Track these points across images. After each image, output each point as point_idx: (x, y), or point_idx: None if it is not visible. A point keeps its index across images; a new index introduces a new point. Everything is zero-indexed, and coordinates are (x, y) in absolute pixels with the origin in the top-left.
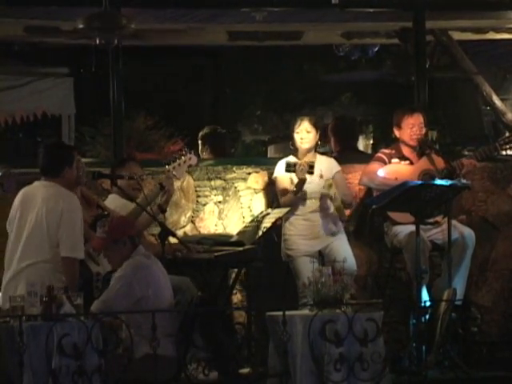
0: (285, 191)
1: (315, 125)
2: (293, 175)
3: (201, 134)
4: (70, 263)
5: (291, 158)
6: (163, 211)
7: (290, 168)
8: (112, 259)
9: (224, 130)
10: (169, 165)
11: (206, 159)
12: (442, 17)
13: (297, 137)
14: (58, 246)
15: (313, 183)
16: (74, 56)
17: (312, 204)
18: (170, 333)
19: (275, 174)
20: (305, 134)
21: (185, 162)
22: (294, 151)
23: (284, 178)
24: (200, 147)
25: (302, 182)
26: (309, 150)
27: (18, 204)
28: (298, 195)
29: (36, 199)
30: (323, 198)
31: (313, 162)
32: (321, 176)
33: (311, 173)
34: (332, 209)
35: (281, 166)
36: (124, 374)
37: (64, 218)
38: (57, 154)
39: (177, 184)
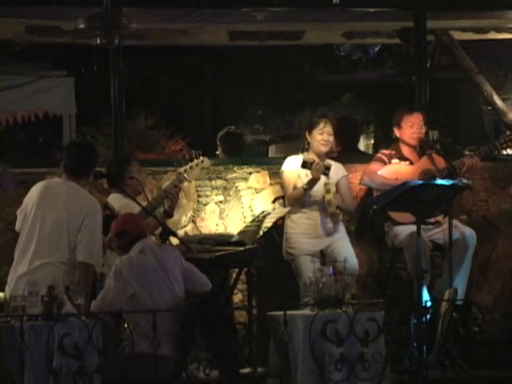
0: (292, 186)
1: (334, 128)
2: (301, 171)
3: (219, 135)
4: (86, 269)
5: (306, 156)
6: (169, 216)
7: (306, 165)
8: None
9: (238, 131)
10: (180, 167)
11: (220, 159)
12: (443, 17)
13: (319, 138)
14: (75, 248)
15: (319, 183)
16: (75, 56)
17: (315, 203)
18: (168, 332)
19: (283, 168)
20: (327, 136)
21: (197, 164)
22: (307, 150)
23: (292, 173)
24: (219, 148)
25: (314, 180)
26: (326, 153)
27: (37, 197)
28: (307, 192)
29: (58, 198)
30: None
31: (329, 164)
32: (327, 177)
33: (326, 174)
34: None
35: (290, 161)
36: (122, 373)
37: (85, 223)
38: (88, 154)
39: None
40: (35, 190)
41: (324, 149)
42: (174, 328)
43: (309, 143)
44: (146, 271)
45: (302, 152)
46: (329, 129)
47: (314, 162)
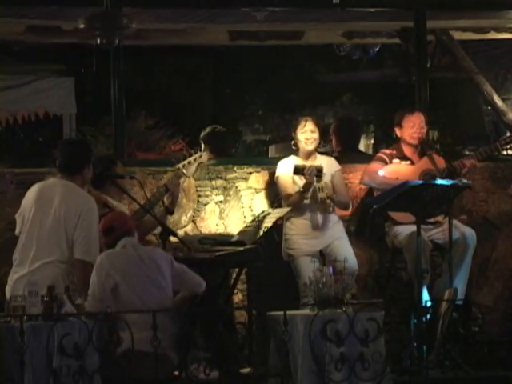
0: (288, 192)
1: (318, 125)
2: (295, 176)
3: (201, 135)
4: (83, 266)
5: (294, 159)
6: (170, 213)
7: (298, 171)
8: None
9: (223, 129)
10: (178, 163)
11: (208, 159)
12: (443, 16)
13: (301, 137)
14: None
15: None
16: (75, 56)
17: (312, 204)
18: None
19: (277, 174)
20: (309, 134)
21: (195, 160)
22: (296, 151)
23: (286, 178)
24: (202, 148)
25: (309, 185)
26: (313, 151)
27: (33, 199)
28: (304, 195)
29: (53, 198)
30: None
31: (321, 167)
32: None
33: (319, 176)
34: (332, 208)
35: (282, 165)
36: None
37: (81, 221)
38: (79, 151)
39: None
40: (31, 193)
41: (309, 147)
42: (159, 323)
43: (296, 144)
44: (125, 263)
45: (294, 155)
46: (310, 127)
47: (305, 167)
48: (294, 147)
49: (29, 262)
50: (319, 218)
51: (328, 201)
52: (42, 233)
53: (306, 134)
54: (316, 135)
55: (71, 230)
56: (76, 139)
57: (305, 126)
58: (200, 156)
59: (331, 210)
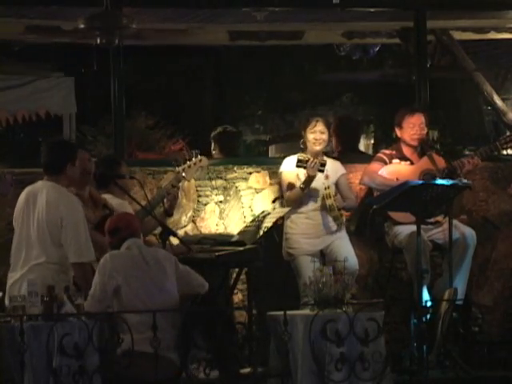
0: (290, 186)
1: (327, 126)
2: (299, 171)
3: (212, 134)
4: (80, 268)
5: (301, 155)
6: (169, 215)
7: (301, 164)
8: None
9: (234, 130)
10: (179, 166)
11: (217, 159)
12: (443, 16)
13: (310, 137)
14: (62, 247)
15: (317, 182)
16: (75, 56)
17: (314, 203)
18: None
19: (281, 169)
20: (319, 134)
21: (195, 163)
22: (304, 150)
23: (290, 174)
24: (212, 147)
25: (311, 178)
26: (320, 152)
27: (23, 203)
28: (305, 191)
29: (38, 201)
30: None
31: (324, 161)
32: (326, 177)
33: (322, 171)
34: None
35: (288, 161)
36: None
37: (65, 224)
38: (59, 151)
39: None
40: (22, 197)
41: (317, 147)
42: (162, 325)
43: (305, 143)
44: (128, 265)
45: (301, 153)
46: (320, 127)
47: (308, 159)
48: (301, 146)
49: (20, 266)
50: (320, 217)
51: (340, 215)
52: (29, 236)
53: (316, 134)
54: (325, 136)
55: (55, 232)
56: (56, 139)
57: (315, 126)
58: (200, 160)
59: (342, 221)
